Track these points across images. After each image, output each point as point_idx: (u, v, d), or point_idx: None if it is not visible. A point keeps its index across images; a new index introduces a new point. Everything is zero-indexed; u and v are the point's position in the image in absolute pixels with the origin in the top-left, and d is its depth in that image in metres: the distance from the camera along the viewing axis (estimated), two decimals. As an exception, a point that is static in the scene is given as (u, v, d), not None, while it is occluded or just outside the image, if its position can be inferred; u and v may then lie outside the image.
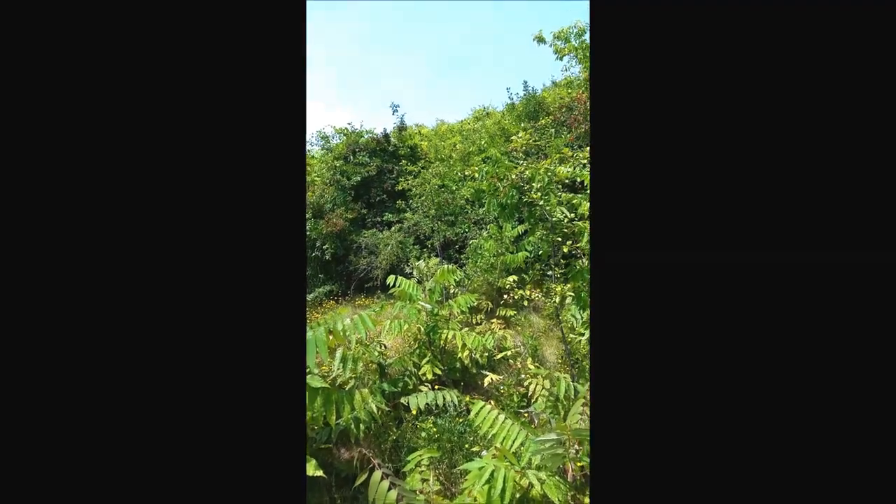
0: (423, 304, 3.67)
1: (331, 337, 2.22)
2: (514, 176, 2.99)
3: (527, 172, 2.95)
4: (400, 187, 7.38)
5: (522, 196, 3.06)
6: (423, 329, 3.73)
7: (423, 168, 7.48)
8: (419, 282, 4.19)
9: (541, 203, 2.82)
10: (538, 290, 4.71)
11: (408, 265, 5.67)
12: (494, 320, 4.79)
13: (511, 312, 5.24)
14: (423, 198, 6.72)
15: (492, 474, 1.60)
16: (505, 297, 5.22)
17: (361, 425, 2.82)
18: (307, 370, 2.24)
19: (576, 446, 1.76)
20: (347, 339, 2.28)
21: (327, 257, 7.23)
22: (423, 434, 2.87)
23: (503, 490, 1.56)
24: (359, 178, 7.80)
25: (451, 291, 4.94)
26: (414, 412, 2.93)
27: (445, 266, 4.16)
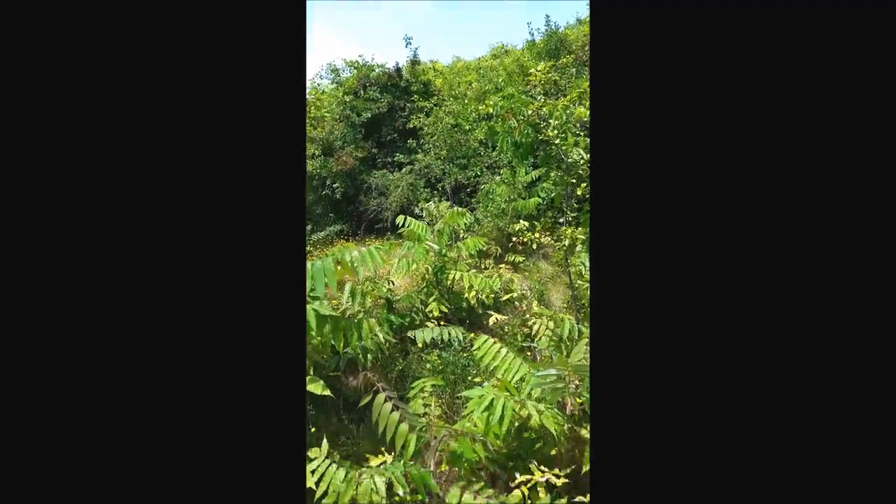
0: (430, 244, 3.67)
1: (339, 268, 2.23)
2: (530, 112, 2.84)
3: (544, 109, 2.79)
4: (411, 125, 7.13)
5: (538, 135, 2.92)
6: (430, 269, 3.76)
7: (435, 105, 7.16)
8: (428, 223, 4.17)
9: (556, 142, 2.69)
10: (549, 236, 4.67)
11: (418, 207, 5.61)
12: (503, 265, 4.80)
13: (520, 258, 5.23)
14: (435, 137, 6.50)
15: (491, 402, 1.66)
16: (514, 241, 5.19)
17: (369, 355, 2.93)
18: (317, 298, 2.28)
19: (576, 381, 1.81)
20: (355, 272, 2.30)
21: (337, 196, 7.19)
22: (428, 365, 2.99)
23: (501, 417, 1.63)
24: (369, 115, 7.53)
25: (461, 235, 4.93)
26: (420, 345, 3.04)
27: (455, 209, 4.10)
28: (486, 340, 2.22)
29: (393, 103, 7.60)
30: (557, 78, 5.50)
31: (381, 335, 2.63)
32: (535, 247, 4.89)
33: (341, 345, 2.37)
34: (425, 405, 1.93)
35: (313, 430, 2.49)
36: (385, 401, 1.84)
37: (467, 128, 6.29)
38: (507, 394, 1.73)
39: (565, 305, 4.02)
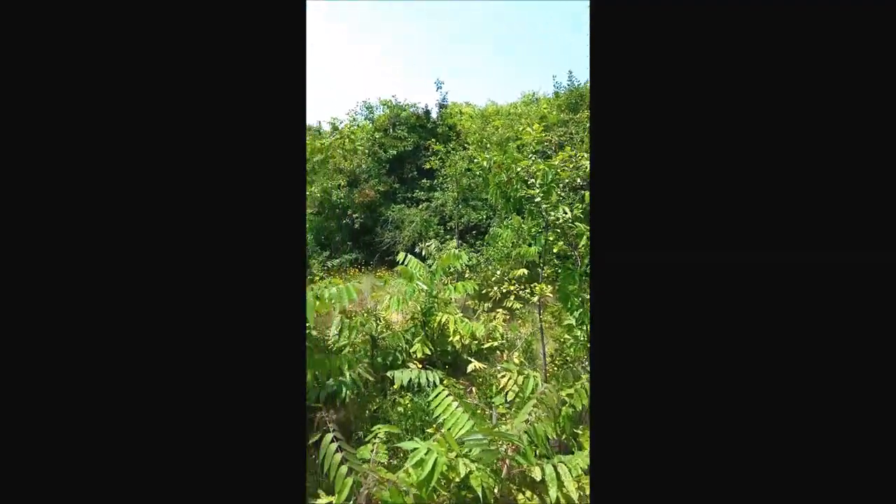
0: (420, 284, 3.78)
1: (317, 303, 2.38)
2: (519, 169, 2.97)
3: (532, 167, 2.92)
4: (427, 166, 7.44)
5: (528, 190, 3.04)
6: (420, 309, 3.86)
7: (451, 150, 7.47)
8: (428, 263, 4.30)
9: (537, 199, 2.80)
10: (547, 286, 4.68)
11: (419, 246, 5.79)
12: (500, 310, 4.82)
13: (518, 305, 5.24)
14: (448, 179, 6.75)
15: (423, 457, 1.70)
16: (514, 288, 5.22)
17: (347, 391, 3.02)
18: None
19: (508, 447, 1.82)
20: (333, 307, 2.43)
21: (356, 226, 7.51)
22: (399, 408, 3.03)
23: (431, 473, 1.67)
24: (395, 152, 7.94)
25: (465, 275, 5.01)
26: (397, 386, 3.10)
27: (452, 251, 4.22)
28: (440, 392, 2.27)
29: (419, 142, 7.99)
30: (570, 132, 5.64)
31: (360, 371, 2.72)
32: (534, 298, 4.91)
33: (309, 376, 2.49)
34: (373, 451, 1.98)
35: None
36: (331, 441, 1.91)
37: (478, 172, 6.52)
38: (446, 448, 1.77)
39: (550, 360, 3.99)
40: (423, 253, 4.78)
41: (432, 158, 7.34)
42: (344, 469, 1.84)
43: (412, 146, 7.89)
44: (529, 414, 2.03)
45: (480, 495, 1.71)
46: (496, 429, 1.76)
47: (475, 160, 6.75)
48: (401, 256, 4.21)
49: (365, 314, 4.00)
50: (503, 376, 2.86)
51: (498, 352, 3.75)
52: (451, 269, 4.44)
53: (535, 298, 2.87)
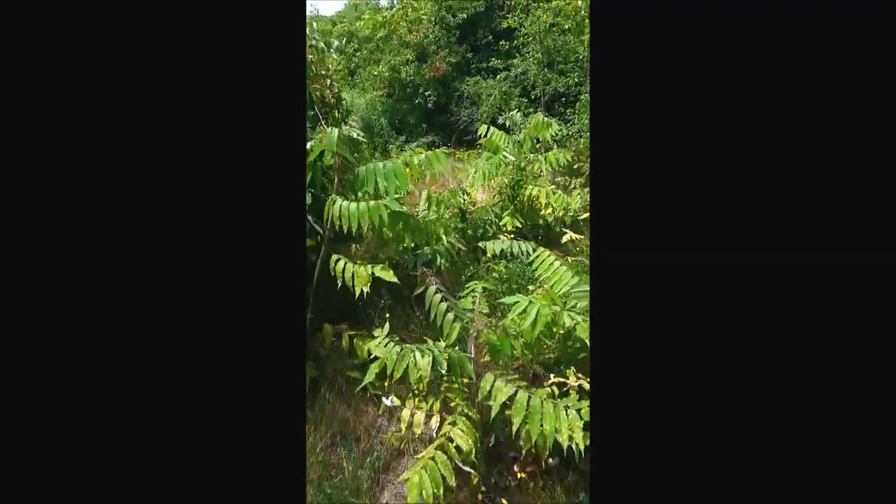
0: (507, 155, 3.55)
1: (407, 169, 2.34)
2: None
3: None
4: (504, 25, 6.50)
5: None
6: (507, 183, 3.69)
7: (532, 1, 6.35)
8: (509, 133, 3.99)
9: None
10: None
11: (502, 117, 5.35)
12: (593, 184, 4.47)
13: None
14: (529, 39, 5.88)
15: (526, 307, 1.71)
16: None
17: (441, 259, 3.14)
18: (395, 195, 2.45)
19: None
20: (423, 174, 2.38)
21: (430, 105, 7.14)
22: (494, 274, 3.10)
23: (534, 322, 1.69)
24: (465, 16, 7.02)
25: (552, 148, 4.64)
26: (489, 255, 3.14)
27: (541, 118, 3.83)
28: (543, 252, 2.21)
29: (491, 2, 6.93)
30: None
31: (445, 238, 2.77)
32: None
33: (409, 240, 2.58)
34: (473, 303, 2.06)
35: (388, 316, 2.84)
36: (435, 292, 2.00)
37: (567, 26, 5.54)
38: (548, 302, 1.75)
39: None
40: (507, 124, 4.42)
41: (509, 16, 6.38)
42: (451, 315, 1.95)
43: (484, 6, 6.88)
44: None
45: (587, 343, 1.71)
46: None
47: (562, 12, 5.73)
48: (482, 129, 3.94)
49: (450, 192, 3.96)
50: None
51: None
52: (539, 143, 4.09)
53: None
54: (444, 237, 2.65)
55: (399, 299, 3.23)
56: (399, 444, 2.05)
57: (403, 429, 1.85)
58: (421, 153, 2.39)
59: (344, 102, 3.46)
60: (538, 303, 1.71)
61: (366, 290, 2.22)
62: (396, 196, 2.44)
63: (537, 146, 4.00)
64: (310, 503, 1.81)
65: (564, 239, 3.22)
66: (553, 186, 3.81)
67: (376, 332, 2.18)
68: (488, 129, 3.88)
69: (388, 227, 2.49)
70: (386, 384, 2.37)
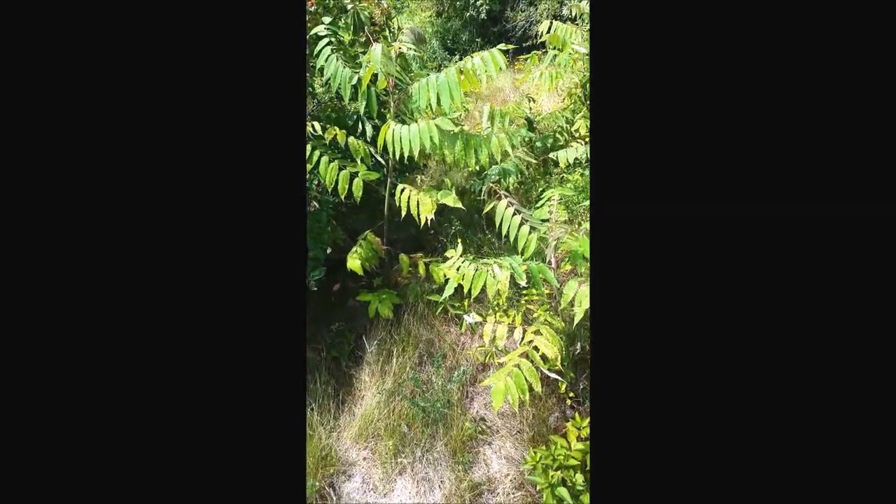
0: (577, 47, 3.08)
1: (462, 77, 2.13)
2: None
3: None
4: None
5: None
6: (579, 81, 3.25)
7: None
8: (575, 22, 3.45)
9: None
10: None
11: (568, 8, 4.63)
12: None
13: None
14: None
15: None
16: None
17: (511, 177, 2.95)
18: (452, 113, 2.29)
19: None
20: (479, 79, 2.15)
21: (483, 17, 6.47)
22: (570, 185, 2.85)
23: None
24: None
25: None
26: (563, 165, 2.87)
27: None
28: (626, 144, 1.91)
29: None
30: None
31: (510, 150, 2.55)
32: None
33: (473, 161, 2.42)
34: (550, 211, 1.89)
35: (459, 240, 2.78)
36: (507, 206, 1.87)
37: None
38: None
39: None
40: (574, 13, 3.83)
41: None
42: (525, 228, 1.81)
43: None
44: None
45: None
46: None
47: None
48: (543, 26, 3.44)
49: (514, 104, 3.61)
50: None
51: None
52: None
53: None
54: (510, 151, 2.44)
55: (470, 226, 3.16)
56: (484, 359, 2.06)
57: (487, 342, 1.84)
58: (476, 56, 2.14)
59: (395, 21, 3.21)
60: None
61: (430, 217, 2.15)
62: (453, 114, 2.26)
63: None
64: (406, 414, 1.94)
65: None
66: (633, 77, 3.29)
67: (449, 254, 2.14)
68: (551, 24, 3.38)
69: (448, 148, 2.34)
70: (465, 303, 2.37)
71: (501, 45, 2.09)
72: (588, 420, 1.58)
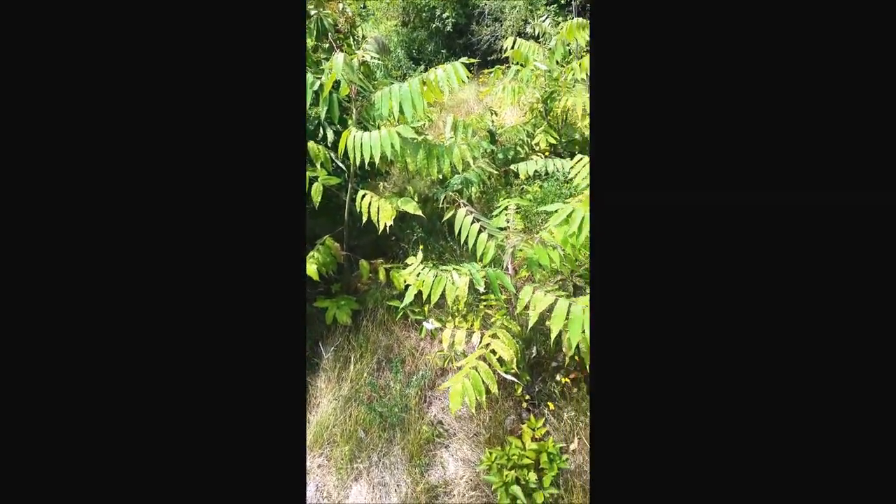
0: (538, 64, 3.23)
1: (425, 88, 2.17)
2: None
3: None
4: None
5: None
6: (539, 96, 3.40)
7: None
8: (538, 40, 3.61)
9: None
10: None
11: (531, 26, 4.84)
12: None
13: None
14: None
15: (569, 215, 1.59)
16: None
17: (473, 187, 3.01)
18: (415, 121, 2.31)
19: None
20: (441, 90, 2.21)
21: (448, 28, 6.61)
22: (529, 196, 2.95)
23: (579, 229, 1.57)
24: (481, -86, 6.21)
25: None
26: (523, 177, 2.97)
27: (576, 20, 3.40)
28: (581, 159, 2.03)
29: None
30: None
31: (473, 164, 2.62)
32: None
33: (435, 170, 2.46)
34: (507, 220, 1.96)
35: (420, 247, 2.81)
36: (466, 214, 1.92)
37: None
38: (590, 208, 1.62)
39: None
40: (536, 31, 4.00)
41: None
42: (484, 236, 1.87)
43: None
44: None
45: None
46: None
47: None
48: (508, 42, 3.58)
49: (477, 116, 3.71)
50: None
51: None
52: (570, 49, 3.68)
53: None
54: (472, 162, 2.51)
55: (431, 233, 3.19)
56: (443, 363, 2.09)
57: (446, 348, 1.87)
58: (440, 68, 2.19)
59: (359, 29, 3.22)
60: (582, 208, 1.58)
61: (389, 224, 2.17)
62: (416, 123, 2.29)
63: (570, 55, 3.61)
64: (362, 420, 1.92)
65: (604, 151, 2.97)
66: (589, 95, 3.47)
67: (409, 261, 2.16)
68: (515, 40, 3.52)
69: (410, 156, 2.37)
70: (425, 309, 2.39)
71: (465, 59, 2.16)
72: (543, 421, 1.64)
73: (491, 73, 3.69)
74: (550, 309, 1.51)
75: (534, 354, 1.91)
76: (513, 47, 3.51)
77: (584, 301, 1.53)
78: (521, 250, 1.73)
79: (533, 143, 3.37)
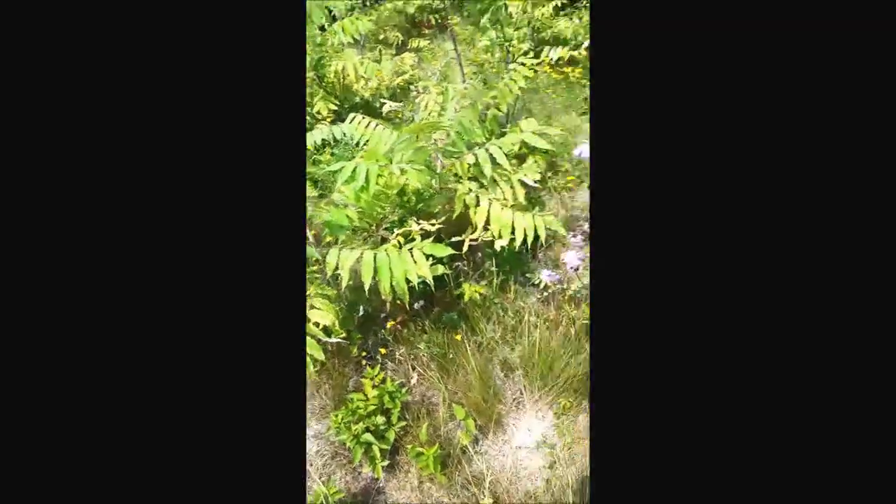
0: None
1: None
2: None
3: None
4: None
5: None
6: (309, 63, 3.27)
7: None
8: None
9: None
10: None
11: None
12: (406, 53, 4.28)
13: (424, 43, 4.66)
14: None
15: (354, 171, 1.63)
16: (418, 23, 4.52)
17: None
18: None
19: (436, 139, 1.78)
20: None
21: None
22: (322, 164, 2.89)
23: (366, 182, 1.63)
24: None
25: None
26: (311, 148, 2.87)
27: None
28: (355, 117, 2.08)
29: None
30: None
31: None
32: (439, 31, 4.31)
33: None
34: (301, 190, 1.90)
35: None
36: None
37: None
38: (374, 161, 1.70)
39: (469, 78, 3.81)
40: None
41: None
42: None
43: None
44: (454, 110, 1.94)
45: (420, 189, 1.75)
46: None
47: None
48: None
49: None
50: (420, 100, 2.69)
51: (412, 89, 3.47)
52: (335, 14, 3.61)
53: (448, 30, 2.41)
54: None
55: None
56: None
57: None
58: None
59: None
60: (364, 162, 1.64)
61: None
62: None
63: (333, 20, 3.54)
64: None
65: (385, 109, 3.10)
66: (361, 57, 3.52)
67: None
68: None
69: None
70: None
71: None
72: (378, 368, 1.73)
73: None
74: (359, 262, 1.56)
75: (360, 313, 1.97)
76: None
77: (388, 247, 1.64)
78: (317, 216, 1.71)
79: (314, 111, 3.27)
